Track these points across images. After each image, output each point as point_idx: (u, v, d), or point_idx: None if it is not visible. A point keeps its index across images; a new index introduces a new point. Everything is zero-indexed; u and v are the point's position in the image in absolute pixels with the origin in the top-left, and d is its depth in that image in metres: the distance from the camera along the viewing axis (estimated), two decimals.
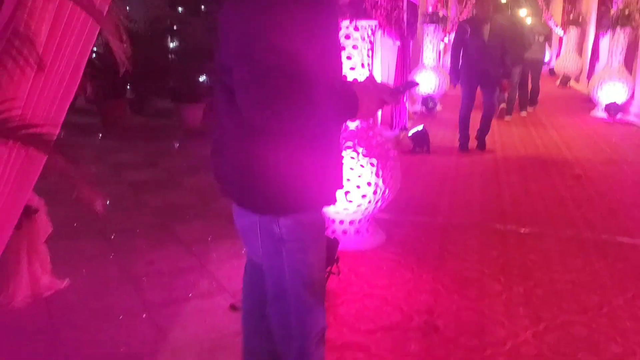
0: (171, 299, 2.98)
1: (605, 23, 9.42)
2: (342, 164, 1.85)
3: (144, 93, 8.96)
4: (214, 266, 3.38)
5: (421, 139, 6.46)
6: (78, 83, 1.68)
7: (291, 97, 1.44)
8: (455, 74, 6.60)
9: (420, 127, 6.57)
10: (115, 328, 2.69)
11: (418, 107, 9.45)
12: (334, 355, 2.46)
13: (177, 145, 6.90)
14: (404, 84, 1.67)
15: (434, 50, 9.66)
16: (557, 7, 14.86)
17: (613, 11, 9.05)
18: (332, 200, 1.79)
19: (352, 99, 1.57)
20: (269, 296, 1.82)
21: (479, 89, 6.51)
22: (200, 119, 8.01)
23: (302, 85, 1.45)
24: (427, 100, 9.39)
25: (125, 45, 1.57)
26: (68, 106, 1.71)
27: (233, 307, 2.89)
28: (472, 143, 6.72)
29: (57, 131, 1.66)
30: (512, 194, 4.93)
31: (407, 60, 7.12)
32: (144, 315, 2.81)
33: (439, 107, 9.67)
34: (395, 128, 7.07)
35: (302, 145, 1.62)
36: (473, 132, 6.71)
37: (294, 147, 1.61)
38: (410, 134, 6.53)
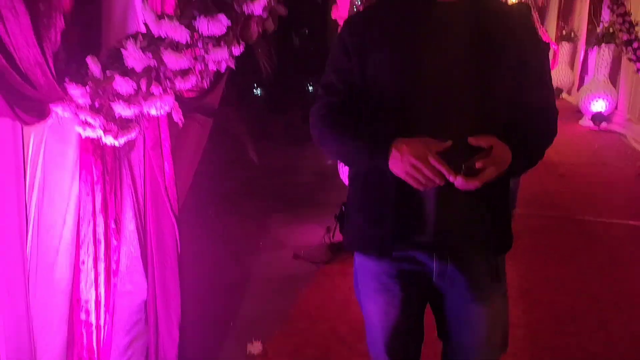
0: (248, 251, 3.98)
1: (593, 40, 10.40)
2: (394, 211, 1.43)
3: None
4: (275, 229, 4.37)
5: None
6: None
7: (312, 116, 1.51)
8: None
9: None
10: (215, 269, 3.65)
11: None
12: None
13: None
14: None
15: None
16: (552, 24, 15.88)
17: (599, 29, 10.05)
18: (375, 248, 1.48)
19: (377, 137, 1.35)
20: None
21: None
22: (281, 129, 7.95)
23: (323, 108, 1.48)
24: None
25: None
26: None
27: (295, 256, 3.88)
28: None
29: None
30: None
31: None
32: (234, 261, 3.82)
33: None
34: None
35: (350, 179, 1.57)
36: None
37: (349, 181, 1.58)
38: None
